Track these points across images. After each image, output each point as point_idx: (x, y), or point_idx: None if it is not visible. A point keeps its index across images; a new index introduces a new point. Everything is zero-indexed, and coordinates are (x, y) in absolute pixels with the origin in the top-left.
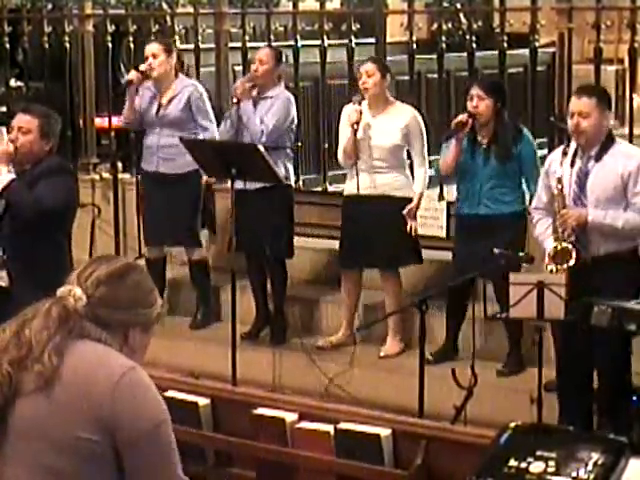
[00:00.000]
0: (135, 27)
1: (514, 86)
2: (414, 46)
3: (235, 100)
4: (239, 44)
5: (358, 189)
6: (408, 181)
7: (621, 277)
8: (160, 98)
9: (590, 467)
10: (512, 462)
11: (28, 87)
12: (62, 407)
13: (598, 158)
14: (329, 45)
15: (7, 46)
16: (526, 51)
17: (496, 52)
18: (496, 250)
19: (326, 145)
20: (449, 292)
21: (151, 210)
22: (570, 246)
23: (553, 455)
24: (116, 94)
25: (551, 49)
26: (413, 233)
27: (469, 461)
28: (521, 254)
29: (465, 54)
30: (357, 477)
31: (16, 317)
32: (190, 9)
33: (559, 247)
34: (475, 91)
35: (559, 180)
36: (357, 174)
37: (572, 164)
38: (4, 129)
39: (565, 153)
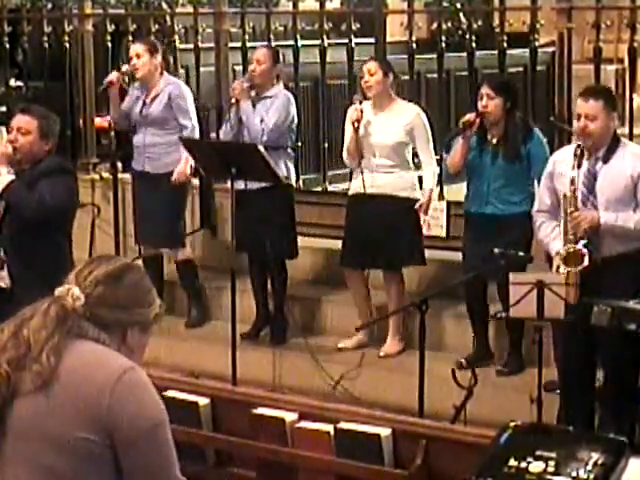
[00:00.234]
0: (135, 27)
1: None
2: (414, 46)
3: (233, 100)
4: (239, 44)
5: (364, 188)
6: (413, 181)
7: (630, 277)
8: (145, 97)
9: (590, 467)
10: (512, 462)
11: (28, 87)
12: (60, 407)
13: (606, 160)
14: (329, 45)
15: (7, 46)
16: (526, 51)
17: (496, 52)
18: (496, 250)
19: (326, 145)
20: (467, 296)
21: (140, 210)
22: (583, 249)
23: (553, 455)
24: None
25: (551, 49)
26: (425, 230)
27: (469, 461)
28: (521, 254)
29: (465, 54)
30: (357, 477)
31: (15, 317)
32: (190, 9)
33: (572, 250)
34: (485, 90)
35: (572, 182)
36: (362, 173)
37: (579, 166)
38: (4, 129)
39: (577, 155)
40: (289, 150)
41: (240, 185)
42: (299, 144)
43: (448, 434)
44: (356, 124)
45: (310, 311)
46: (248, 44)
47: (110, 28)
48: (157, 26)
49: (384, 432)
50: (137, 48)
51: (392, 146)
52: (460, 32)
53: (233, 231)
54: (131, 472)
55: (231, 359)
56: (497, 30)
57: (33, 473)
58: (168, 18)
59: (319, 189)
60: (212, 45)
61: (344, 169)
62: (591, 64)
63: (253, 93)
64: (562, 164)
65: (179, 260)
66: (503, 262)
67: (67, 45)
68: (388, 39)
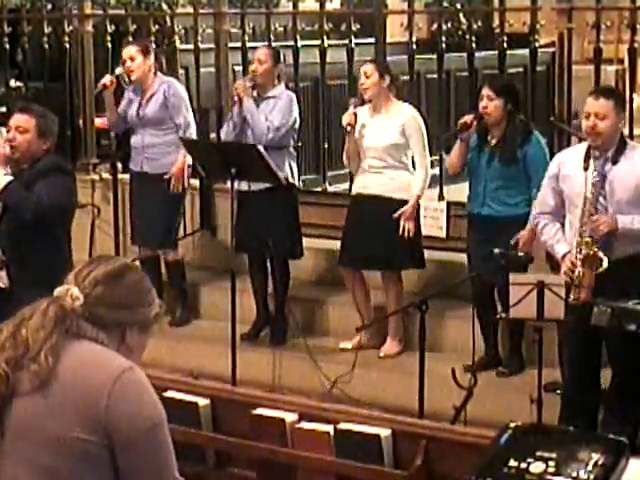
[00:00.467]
0: (135, 27)
1: None
2: (414, 46)
3: (236, 98)
4: (239, 44)
5: (361, 189)
6: (410, 183)
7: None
8: (141, 99)
9: (590, 467)
10: (512, 462)
11: (28, 87)
12: (59, 407)
13: (615, 161)
14: (329, 45)
15: (7, 46)
16: (526, 51)
17: (496, 52)
18: (496, 250)
19: (326, 145)
20: (474, 299)
21: (137, 211)
22: (600, 252)
23: (553, 455)
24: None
25: (551, 49)
26: (406, 235)
27: (469, 461)
28: (521, 254)
29: (465, 54)
30: (357, 477)
31: (14, 317)
32: (190, 9)
33: (590, 252)
34: (485, 91)
35: (594, 184)
36: (361, 174)
37: (586, 168)
38: (4, 130)
39: (591, 157)
40: (291, 149)
41: (243, 186)
42: (299, 144)
43: (448, 434)
44: (349, 128)
45: (311, 312)
46: (248, 44)
47: (110, 29)
48: (157, 27)
49: (384, 432)
50: (130, 51)
51: (384, 148)
52: (460, 33)
53: (233, 231)
54: (129, 473)
55: (231, 359)
56: (497, 31)
57: (32, 473)
58: (168, 19)
59: (319, 189)
60: (212, 45)
61: (344, 169)
62: (591, 65)
63: (255, 93)
64: (568, 165)
65: (170, 260)
66: (503, 262)
67: (67, 45)
68: (388, 39)
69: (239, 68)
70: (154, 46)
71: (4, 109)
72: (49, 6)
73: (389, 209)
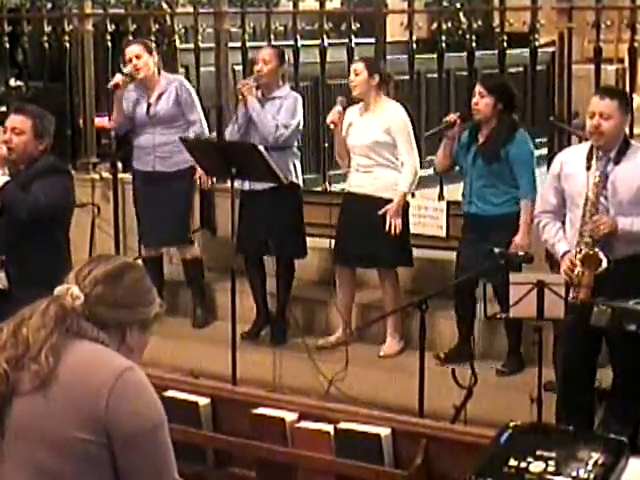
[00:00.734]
0: (135, 27)
1: (514, 86)
2: (414, 46)
3: (240, 97)
4: (239, 44)
5: (350, 188)
6: (397, 182)
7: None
8: (148, 98)
9: (590, 467)
10: (512, 462)
11: (28, 87)
12: (59, 407)
13: (617, 161)
14: (329, 45)
15: (7, 46)
16: (526, 51)
17: (496, 52)
18: (496, 250)
19: (326, 145)
20: (455, 293)
21: (147, 210)
22: (600, 252)
23: (553, 455)
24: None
25: (551, 49)
26: (393, 232)
27: (469, 461)
28: (521, 253)
29: (465, 54)
30: (357, 477)
31: (14, 316)
32: (190, 9)
33: (590, 252)
34: (478, 88)
35: (596, 185)
36: (351, 173)
37: (588, 167)
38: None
39: (595, 157)
40: (295, 149)
41: (246, 185)
42: (300, 144)
43: (448, 434)
44: (332, 126)
45: (311, 311)
46: (248, 44)
47: (110, 28)
48: (157, 26)
49: (384, 432)
50: (135, 49)
51: (368, 146)
52: (460, 32)
53: (233, 231)
54: (129, 473)
55: (231, 359)
56: (497, 30)
57: (31, 473)
58: (168, 18)
59: (319, 189)
60: (212, 45)
61: (344, 169)
62: (591, 64)
63: (259, 93)
64: (570, 164)
65: (188, 259)
66: (502, 262)
67: (67, 45)
68: (388, 39)
69: (239, 67)
70: (154, 45)
71: (4, 108)
72: (49, 5)
73: (377, 208)
